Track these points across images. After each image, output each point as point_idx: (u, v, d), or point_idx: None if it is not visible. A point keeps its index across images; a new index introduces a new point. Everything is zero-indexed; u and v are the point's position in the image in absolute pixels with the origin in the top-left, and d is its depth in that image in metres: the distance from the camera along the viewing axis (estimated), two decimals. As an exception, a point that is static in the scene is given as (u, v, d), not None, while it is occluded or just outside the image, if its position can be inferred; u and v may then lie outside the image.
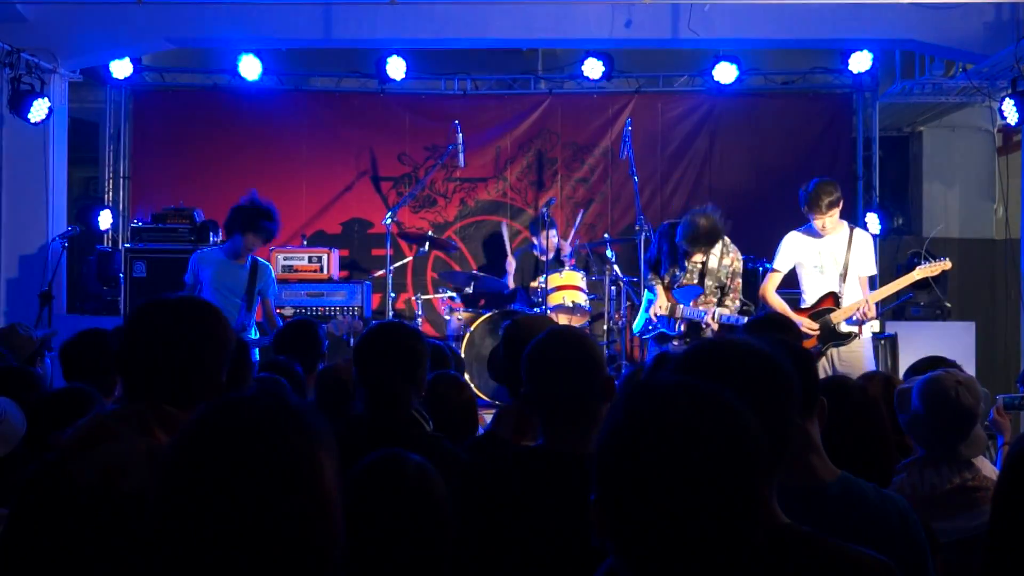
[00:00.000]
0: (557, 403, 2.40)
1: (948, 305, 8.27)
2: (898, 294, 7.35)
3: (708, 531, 1.27)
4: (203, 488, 1.26)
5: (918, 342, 7.03)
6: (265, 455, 1.27)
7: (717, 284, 6.54)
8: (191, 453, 1.29)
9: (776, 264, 6.39)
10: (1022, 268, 8.34)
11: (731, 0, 7.86)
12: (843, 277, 6.18)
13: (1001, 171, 9.74)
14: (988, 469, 3.00)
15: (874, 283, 6.77)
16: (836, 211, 6.15)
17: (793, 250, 6.35)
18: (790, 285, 6.54)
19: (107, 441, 2.00)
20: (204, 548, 1.25)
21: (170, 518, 1.27)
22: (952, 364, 3.35)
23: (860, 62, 8.73)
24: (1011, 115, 7.54)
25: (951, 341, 7.72)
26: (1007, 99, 7.54)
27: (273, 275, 6.73)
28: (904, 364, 5.79)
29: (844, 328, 6.11)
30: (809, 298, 6.29)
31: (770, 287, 6.40)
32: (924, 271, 6.23)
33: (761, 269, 8.44)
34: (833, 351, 6.14)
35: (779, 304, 6.33)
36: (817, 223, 6.17)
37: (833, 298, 6.16)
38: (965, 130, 10.19)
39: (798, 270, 6.37)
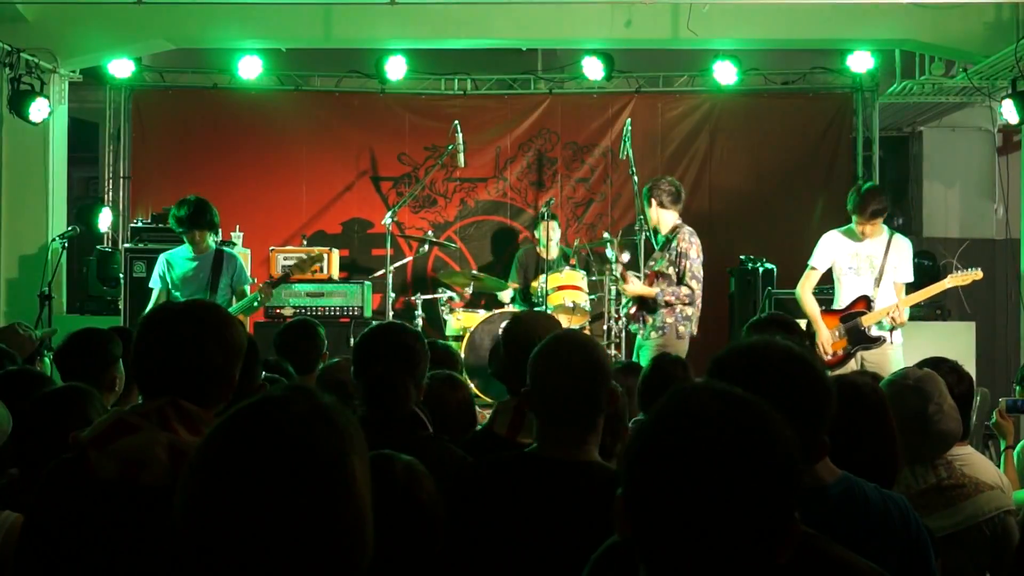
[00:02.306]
0: (558, 408, 2.38)
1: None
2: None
3: (736, 540, 1.24)
4: (234, 490, 1.23)
5: (918, 342, 7.00)
6: (298, 456, 1.25)
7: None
8: (223, 453, 1.26)
9: (813, 262, 6.34)
10: (1022, 268, 8.35)
11: (731, 0, 7.86)
12: (877, 281, 6.13)
13: (1001, 171, 9.74)
14: (973, 465, 2.99)
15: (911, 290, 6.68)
16: (879, 221, 6.10)
17: (830, 250, 6.29)
18: (826, 284, 6.51)
19: (127, 435, 2.02)
20: (234, 551, 1.22)
21: (199, 520, 1.25)
22: (949, 363, 3.34)
23: (860, 62, 8.73)
24: (1011, 115, 7.54)
25: (951, 341, 7.71)
26: (1007, 99, 7.54)
27: (241, 263, 6.67)
28: (906, 363, 5.77)
29: (874, 332, 6.09)
30: (843, 300, 6.26)
31: (806, 286, 6.34)
32: (955, 279, 6.21)
33: (761, 269, 8.44)
34: (862, 354, 6.12)
35: (810, 305, 6.28)
36: (858, 228, 6.14)
37: (865, 301, 6.12)
38: (965, 130, 10.19)
39: (834, 271, 6.31)
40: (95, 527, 2.01)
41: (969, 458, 3.01)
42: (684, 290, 6.32)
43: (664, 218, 6.53)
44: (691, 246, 6.39)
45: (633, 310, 6.64)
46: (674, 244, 6.42)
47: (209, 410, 2.13)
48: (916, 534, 2.07)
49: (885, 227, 6.27)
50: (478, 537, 2.34)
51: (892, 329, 6.09)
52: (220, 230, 6.85)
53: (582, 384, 2.38)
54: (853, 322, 6.12)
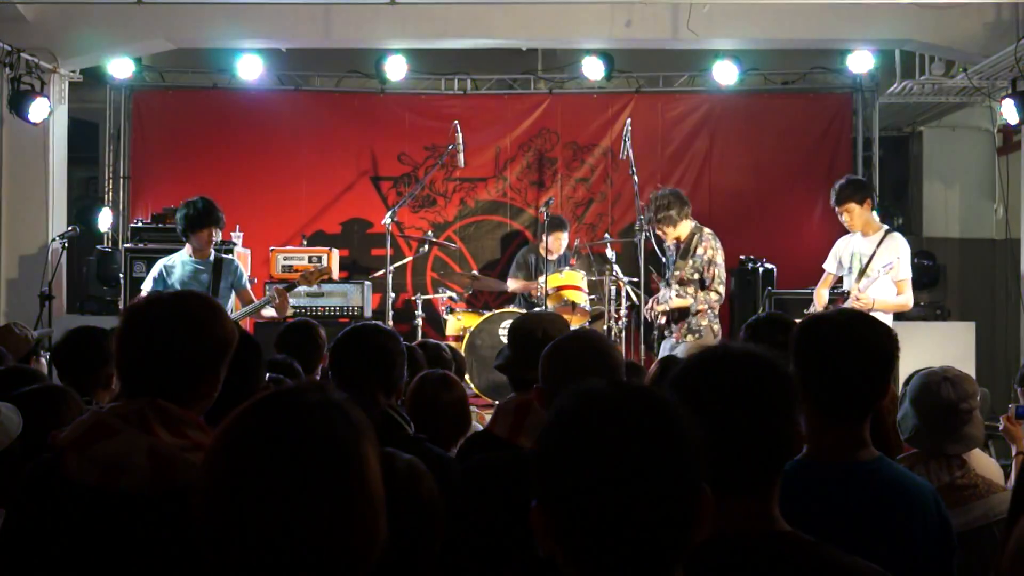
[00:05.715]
0: None
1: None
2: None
3: (643, 534, 1.25)
4: (254, 483, 1.26)
5: (918, 342, 7.01)
6: (315, 443, 1.28)
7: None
8: (241, 448, 1.29)
9: (825, 264, 6.61)
10: (1022, 268, 8.35)
11: (731, 0, 7.86)
12: (859, 276, 6.22)
13: (1001, 171, 9.73)
14: (984, 466, 2.99)
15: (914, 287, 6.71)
16: (851, 204, 6.26)
17: (837, 252, 6.55)
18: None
19: (106, 438, 1.95)
20: (254, 543, 1.25)
21: (219, 514, 1.27)
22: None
23: (860, 62, 8.73)
24: (1011, 115, 7.53)
25: (951, 341, 7.71)
26: (1007, 99, 7.53)
27: (240, 267, 6.75)
28: (904, 364, 5.77)
29: None
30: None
31: (819, 286, 6.63)
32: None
33: (761, 269, 8.44)
34: None
35: (823, 302, 6.57)
36: (840, 220, 6.38)
37: (843, 298, 6.28)
38: (965, 130, 10.19)
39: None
40: (74, 533, 1.95)
41: (974, 455, 3.01)
42: (713, 296, 6.55)
43: (684, 225, 6.68)
44: (717, 252, 6.60)
45: (663, 320, 6.70)
46: (700, 251, 6.55)
47: (192, 410, 2.04)
48: (948, 521, 2.16)
49: (884, 226, 6.39)
50: (488, 534, 2.34)
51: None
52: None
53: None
54: None
